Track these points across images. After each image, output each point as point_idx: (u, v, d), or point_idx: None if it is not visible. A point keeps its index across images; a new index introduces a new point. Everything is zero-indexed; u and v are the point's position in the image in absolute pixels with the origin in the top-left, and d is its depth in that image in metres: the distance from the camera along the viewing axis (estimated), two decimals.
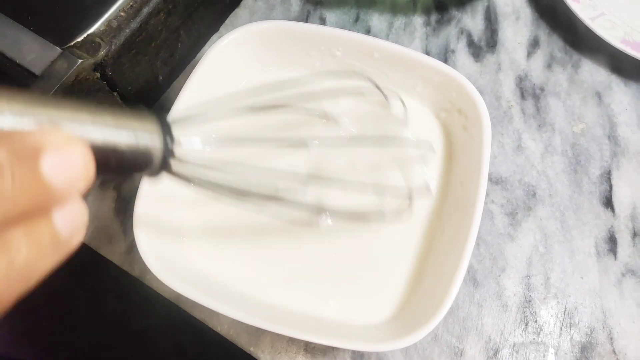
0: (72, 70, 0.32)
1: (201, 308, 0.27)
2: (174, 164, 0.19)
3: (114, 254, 0.34)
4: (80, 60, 0.33)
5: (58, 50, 0.33)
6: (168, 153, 0.18)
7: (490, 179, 0.35)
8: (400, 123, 0.33)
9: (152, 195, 0.30)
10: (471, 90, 0.32)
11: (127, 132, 0.16)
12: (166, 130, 0.18)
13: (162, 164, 0.18)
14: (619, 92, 0.38)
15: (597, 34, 0.37)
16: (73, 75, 0.33)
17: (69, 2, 0.35)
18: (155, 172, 0.19)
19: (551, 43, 0.39)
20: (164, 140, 0.18)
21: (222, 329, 0.31)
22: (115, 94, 0.37)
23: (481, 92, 0.38)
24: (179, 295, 0.27)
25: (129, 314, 0.43)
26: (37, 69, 0.33)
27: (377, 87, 0.30)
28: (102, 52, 0.34)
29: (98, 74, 0.34)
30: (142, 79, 0.39)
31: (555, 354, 0.31)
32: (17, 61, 0.33)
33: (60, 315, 0.42)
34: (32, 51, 0.33)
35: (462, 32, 0.40)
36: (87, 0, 0.35)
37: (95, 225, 0.35)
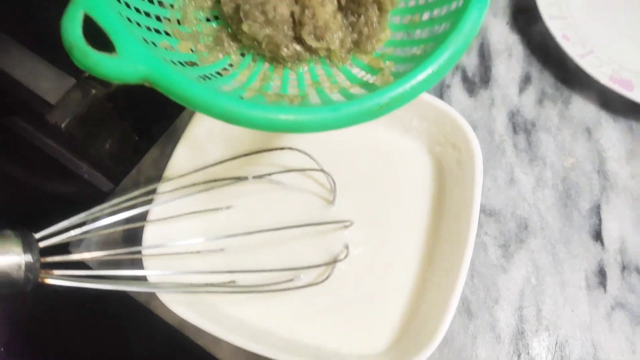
0: (86, 100, 0.34)
1: (204, 335, 0.28)
2: (47, 272, 0.20)
3: None
4: (94, 91, 0.34)
5: (73, 80, 0.35)
6: (33, 270, 0.19)
7: (483, 211, 0.37)
8: (329, 199, 0.34)
9: (160, 224, 0.32)
10: (464, 125, 0.34)
11: None
12: (28, 247, 0.19)
13: (26, 280, 0.19)
14: (608, 127, 0.40)
15: (586, 71, 0.39)
16: (86, 105, 0.34)
17: (86, 34, 0.37)
18: (21, 288, 0.19)
19: (542, 79, 0.41)
20: (25, 260, 0.19)
21: (223, 356, 0.32)
22: (126, 123, 0.39)
23: (475, 127, 0.40)
24: (182, 322, 0.28)
25: (131, 340, 0.44)
26: (52, 99, 0.34)
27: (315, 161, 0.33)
28: (115, 84, 0.35)
29: (111, 105, 0.36)
30: (152, 109, 0.40)
31: None
32: (34, 90, 0.35)
33: (62, 340, 0.43)
34: (48, 81, 0.35)
35: (457, 68, 0.42)
36: (102, 32, 0.37)
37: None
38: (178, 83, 0.19)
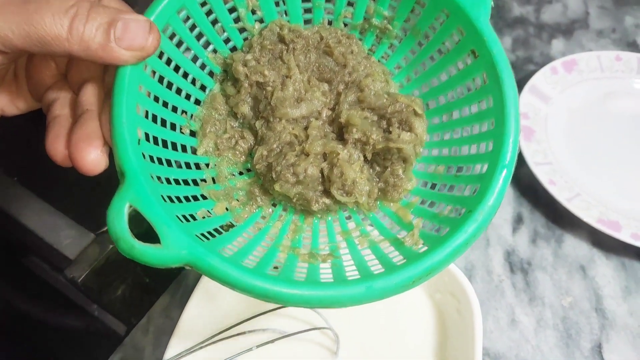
0: (103, 255, 0.36)
1: None
2: None
3: None
4: (111, 246, 0.36)
5: (92, 236, 0.37)
6: None
7: (487, 355, 0.37)
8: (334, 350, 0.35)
9: None
10: (459, 275, 0.35)
11: None
12: None
13: None
14: (602, 265, 0.41)
15: (575, 214, 0.41)
16: (104, 259, 0.36)
17: (105, 191, 0.40)
18: None
19: (534, 219, 0.44)
20: None
21: None
22: (138, 267, 0.40)
23: (472, 267, 0.41)
24: None
25: None
26: (71, 254, 0.36)
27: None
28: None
29: None
30: None
31: None
32: (55, 246, 0.37)
33: None
34: (69, 236, 0.37)
35: None
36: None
37: None
38: (216, 268, 0.19)
